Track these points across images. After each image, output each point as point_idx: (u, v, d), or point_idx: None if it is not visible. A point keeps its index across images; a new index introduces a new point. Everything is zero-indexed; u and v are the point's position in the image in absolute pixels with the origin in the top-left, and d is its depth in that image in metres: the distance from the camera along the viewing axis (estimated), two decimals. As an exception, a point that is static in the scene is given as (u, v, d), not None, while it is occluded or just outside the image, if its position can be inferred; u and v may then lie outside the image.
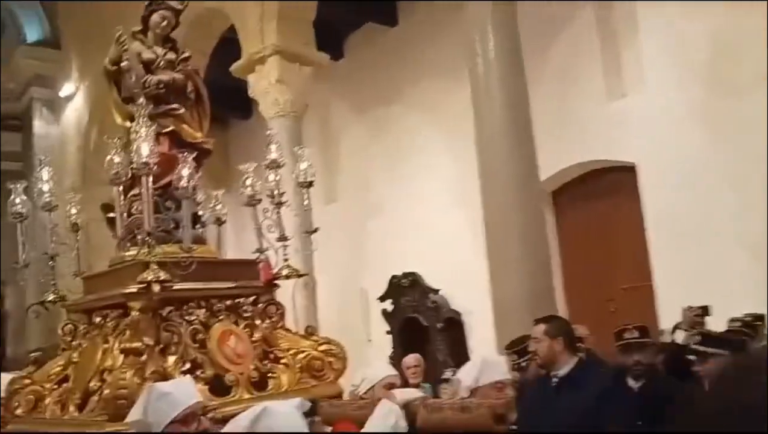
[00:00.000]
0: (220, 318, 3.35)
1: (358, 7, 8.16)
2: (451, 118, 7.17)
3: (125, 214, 3.42)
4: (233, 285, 3.50)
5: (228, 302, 3.43)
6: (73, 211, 3.96)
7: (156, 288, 3.00)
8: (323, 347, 3.59)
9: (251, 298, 3.55)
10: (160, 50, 3.75)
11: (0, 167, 10.95)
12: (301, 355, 3.50)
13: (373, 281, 8.03)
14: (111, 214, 3.62)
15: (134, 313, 3.08)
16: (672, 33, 6.01)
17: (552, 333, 2.87)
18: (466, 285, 6.48)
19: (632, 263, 6.36)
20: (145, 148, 3.09)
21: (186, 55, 3.80)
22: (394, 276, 7.70)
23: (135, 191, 3.42)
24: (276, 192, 3.63)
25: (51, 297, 3.67)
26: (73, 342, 3.51)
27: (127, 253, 3.42)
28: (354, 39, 8.83)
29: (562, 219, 7.05)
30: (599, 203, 6.76)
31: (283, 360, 3.44)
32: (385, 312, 7.88)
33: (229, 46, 7.80)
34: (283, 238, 3.64)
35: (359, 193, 8.70)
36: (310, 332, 3.78)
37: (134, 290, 3.07)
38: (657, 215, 6.06)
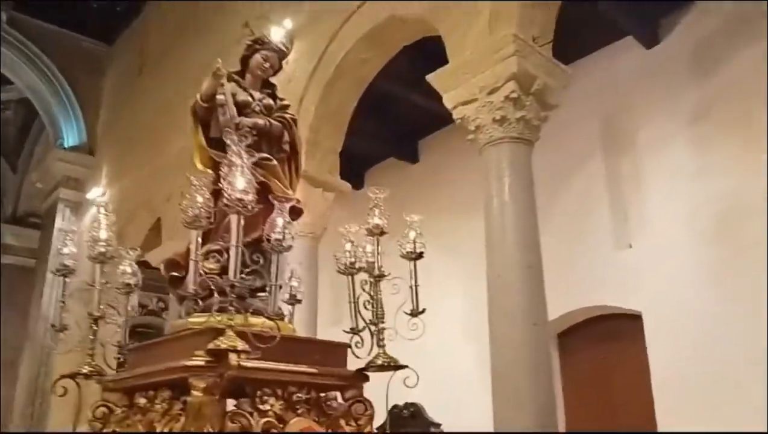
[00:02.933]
0: (299, 411, 2.79)
1: (383, 142, 8.67)
2: (464, 253, 7.39)
3: (196, 271, 2.77)
4: (317, 370, 2.89)
5: (312, 394, 2.85)
6: (128, 269, 3.43)
7: (233, 360, 2.40)
8: None
9: (337, 391, 3.00)
10: (257, 94, 3.39)
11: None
12: None
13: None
14: (176, 273, 3.14)
15: (196, 394, 2.49)
16: (678, 189, 6.32)
17: None
18: (470, 421, 6.39)
19: (636, 411, 6.29)
20: (240, 181, 2.55)
21: (286, 102, 3.45)
22: (395, 406, 7.59)
23: (213, 246, 2.88)
24: (377, 262, 3.07)
25: (86, 369, 3.06)
26: (105, 430, 2.99)
27: (193, 319, 2.87)
28: (376, 171, 9.29)
29: (566, 361, 7.06)
30: (605, 348, 6.80)
31: None
32: (383, 444, 7.67)
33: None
34: (378, 319, 2.99)
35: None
36: None
37: (200, 363, 2.49)
38: (663, 365, 6.08)
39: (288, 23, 3.64)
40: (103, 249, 3.14)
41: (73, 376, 3.09)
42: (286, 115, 3.41)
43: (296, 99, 6.66)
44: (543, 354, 4.73)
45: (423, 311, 3.05)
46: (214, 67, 3.27)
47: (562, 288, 6.17)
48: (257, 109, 3.31)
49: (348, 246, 3.19)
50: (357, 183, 8.81)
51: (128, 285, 3.42)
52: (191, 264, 2.73)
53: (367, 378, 3.06)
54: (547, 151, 5.38)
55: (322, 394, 2.91)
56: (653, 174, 6.59)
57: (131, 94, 11.28)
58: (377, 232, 3.11)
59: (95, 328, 3.13)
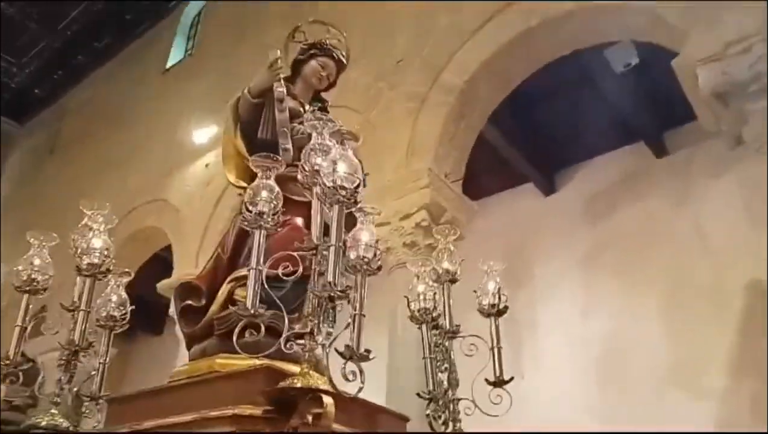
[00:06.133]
0: None
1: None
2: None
3: (257, 282, 2.00)
4: None
5: None
6: (113, 298, 2.71)
7: (328, 403, 1.82)
8: None
9: None
10: (308, 106, 2.87)
11: None
12: None
13: None
14: (192, 302, 2.50)
15: None
16: (567, 326, 6.72)
17: None
18: None
19: None
20: (342, 165, 2.01)
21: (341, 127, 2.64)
22: None
23: (240, 272, 2.35)
24: (446, 313, 2.57)
25: (47, 420, 2.27)
26: None
27: (224, 361, 2.23)
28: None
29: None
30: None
31: None
32: None
33: (160, 263, 8.12)
34: (453, 385, 2.44)
35: None
36: None
37: (257, 412, 1.90)
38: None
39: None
40: (97, 261, 2.47)
41: (26, 432, 2.30)
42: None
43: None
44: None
45: (510, 380, 2.53)
46: (271, 57, 2.72)
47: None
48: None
49: (421, 287, 2.64)
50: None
51: (112, 317, 2.70)
52: (251, 274, 1.96)
53: None
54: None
55: None
56: (546, 309, 6.98)
57: (39, 172, 11.09)
58: (448, 280, 2.64)
59: (73, 364, 2.42)
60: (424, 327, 2.59)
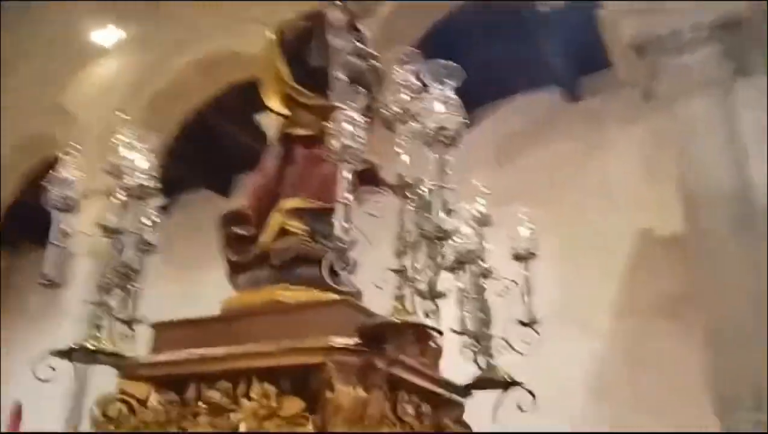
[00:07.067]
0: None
1: (199, 171, 8.48)
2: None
3: (347, 213, 1.86)
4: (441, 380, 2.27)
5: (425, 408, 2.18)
6: (142, 164, 2.22)
7: (435, 343, 1.96)
8: None
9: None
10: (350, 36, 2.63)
11: None
12: None
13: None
14: (240, 230, 2.43)
15: (342, 387, 1.78)
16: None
17: None
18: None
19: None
20: (440, 106, 1.97)
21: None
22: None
23: (289, 202, 2.31)
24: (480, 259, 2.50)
25: (91, 343, 1.96)
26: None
27: (291, 292, 2.17)
28: (188, 199, 8.99)
29: None
30: None
31: None
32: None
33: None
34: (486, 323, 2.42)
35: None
36: None
37: (347, 344, 1.85)
38: None
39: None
40: (145, 183, 2.16)
41: (68, 353, 1.99)
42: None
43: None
44: None
45: (533, 323, 2.53)
46: None
47: None
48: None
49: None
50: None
51: (143, 188, 2.19)
52: (338, 206, 1.83)
53: (468, 395, 2.42)
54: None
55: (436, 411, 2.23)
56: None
57: None
58: (484, 224, 2.61)
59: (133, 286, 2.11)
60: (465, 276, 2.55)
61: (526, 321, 2.51)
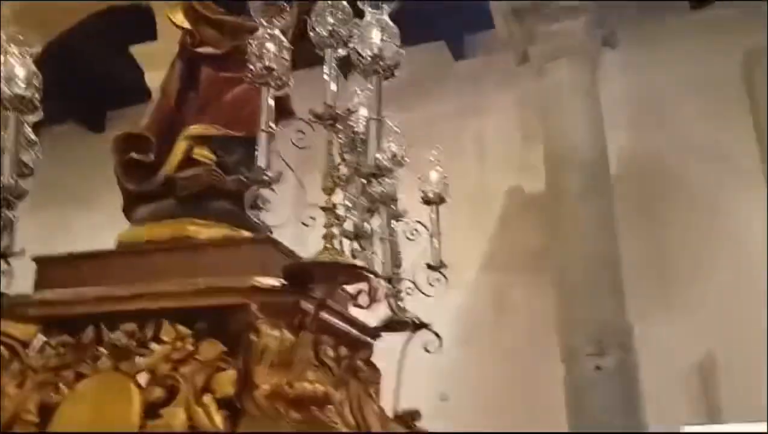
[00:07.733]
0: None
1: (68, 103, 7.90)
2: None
3: (268, 145, 1.77)
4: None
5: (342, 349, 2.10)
6: (19, 72, 2.04)
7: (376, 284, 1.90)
8: None
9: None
10: None
11: None
12: None
13: None
14: (138, 155, 2.12)
15: (268, 331, 1.68)
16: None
17: None
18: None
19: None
20: (377, 32, 1.85)
21: None
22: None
23: (196, 129, 2.08)
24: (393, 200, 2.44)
25: None
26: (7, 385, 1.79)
27: (193, 227, 1.98)
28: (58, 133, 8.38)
29: None
30: None
31: None
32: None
33: None
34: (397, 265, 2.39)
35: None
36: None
37: (274, 284, 1.73)
38: None
39: None
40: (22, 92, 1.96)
41: None
42: None
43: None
44: None
45: (441, 267, 2.56)
46: None
47: None
48: None
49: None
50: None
51: (22, 99, 2.03)
52: (261, 136, 1.71)
53: (378, 337, 2.38)
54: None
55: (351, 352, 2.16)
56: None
57: None
58: (399, 164, 2.50)
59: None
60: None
61: (434, 264, 2.56)
